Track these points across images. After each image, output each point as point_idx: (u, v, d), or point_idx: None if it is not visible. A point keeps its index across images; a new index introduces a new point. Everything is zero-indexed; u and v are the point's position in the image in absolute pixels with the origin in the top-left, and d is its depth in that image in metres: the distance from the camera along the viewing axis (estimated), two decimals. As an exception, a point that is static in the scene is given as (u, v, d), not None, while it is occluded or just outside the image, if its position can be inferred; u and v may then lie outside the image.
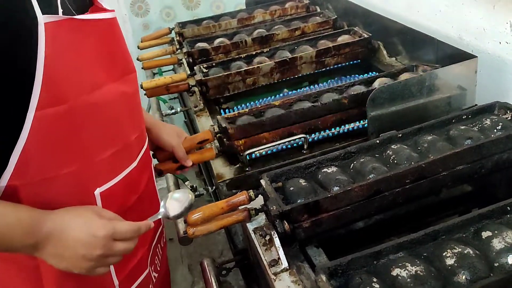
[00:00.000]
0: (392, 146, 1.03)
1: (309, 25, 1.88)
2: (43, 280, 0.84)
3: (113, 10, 0.87)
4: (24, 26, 0.70)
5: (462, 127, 1.05)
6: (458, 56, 1.32)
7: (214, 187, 1.37)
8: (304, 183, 0.96)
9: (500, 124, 1.03)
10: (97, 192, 0.84)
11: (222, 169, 1.21)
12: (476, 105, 1.29)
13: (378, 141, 1.05)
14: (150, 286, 1.06)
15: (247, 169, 1.19)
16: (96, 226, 0.76)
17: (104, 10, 0.88)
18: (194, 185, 1.38)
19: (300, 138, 1.19)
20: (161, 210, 0.90)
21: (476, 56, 1.22)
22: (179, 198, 0.91)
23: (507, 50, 1.34)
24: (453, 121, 1.09)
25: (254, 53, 1.68)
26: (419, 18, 1.73)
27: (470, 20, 1.46)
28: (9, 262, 0.84)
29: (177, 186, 1.40)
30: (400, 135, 1.06)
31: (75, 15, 0.80)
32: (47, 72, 0.72)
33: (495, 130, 1.03)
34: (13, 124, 0.72)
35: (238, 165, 1.21)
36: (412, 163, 0.97)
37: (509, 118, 1.07)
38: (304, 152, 1.22)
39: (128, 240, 0.80)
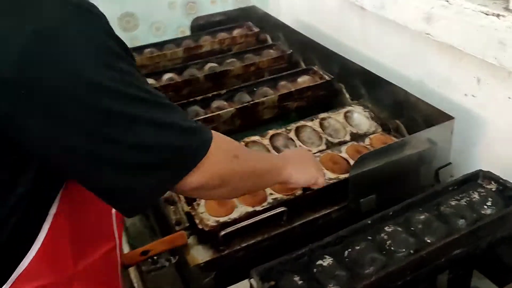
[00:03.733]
0: (386, 228, 0.96)
1: (263, 60, 1.77)
2: None
3: None
4: None
5: (453, 203, 1.01)
6: (424, 108, 1.30)
7: (177, 256, 1.23)
8: (300, 282, 0.86)
9: (490, 199, 1.00)
10: None
11: (194, 250, 1.08)
12: (450, 163, 1.27)
13: (369, 222, 0.98)
14: None
15: (221, 248, 1.07)
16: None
17: None
18: (155, 257, 1.23)
19: (280, 211, 1.09)
20: None
21: (453, 118, 1.19)
22: None
23: (473, 103, 1.33)
24: (441, 193, 1.05)
25: (210, 95, 1.55)
26: (377, 55, 1.70)
27: (434, 68, 1.45)
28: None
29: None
30: (391, 213, 1.00)
31: None
32: None
33: (485, 206, 1.00)
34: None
35: (210, 243, 1.08)
36: (411, 251, 0.91)
37: (494, 189, 1.05)
38: (283, 223, 1.12)
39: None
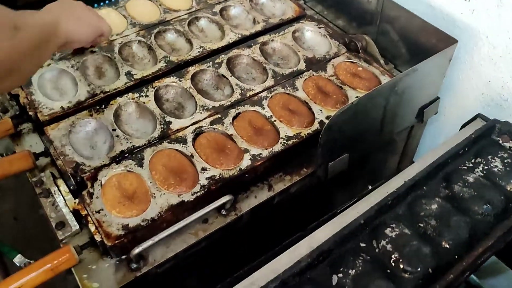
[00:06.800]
0: (387, 231, 0.65)
1: None
2: None
3: None
4: None
5: (470, 179, 0.71)
6: (405, 20, 0.93)
7: None
8: None
9: (517, 168, 0.72)
10: None
11: (92, 272, 0.69)
12: (438, 97, 0.95)
13: (362, 221, 0.65)
14: None
15: (135, 266, 0.69)
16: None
17: None
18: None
19: (225, 201, 0.72)
20: None
21: (457, 41, 0.84)
22: None
23: (463, 9, 0.98)
24: (449, 161, 0.74)
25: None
26: None
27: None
28: None
29: None
30: (389, 201, 0.67)
31: None
32: None
33: (512, 181, 0.71)
34: None
35: (118, 260, 0.70)
36: (430, 270, 0.61)
37: (516, 148, 0.76)
38: (224, 214, 0.75)
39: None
